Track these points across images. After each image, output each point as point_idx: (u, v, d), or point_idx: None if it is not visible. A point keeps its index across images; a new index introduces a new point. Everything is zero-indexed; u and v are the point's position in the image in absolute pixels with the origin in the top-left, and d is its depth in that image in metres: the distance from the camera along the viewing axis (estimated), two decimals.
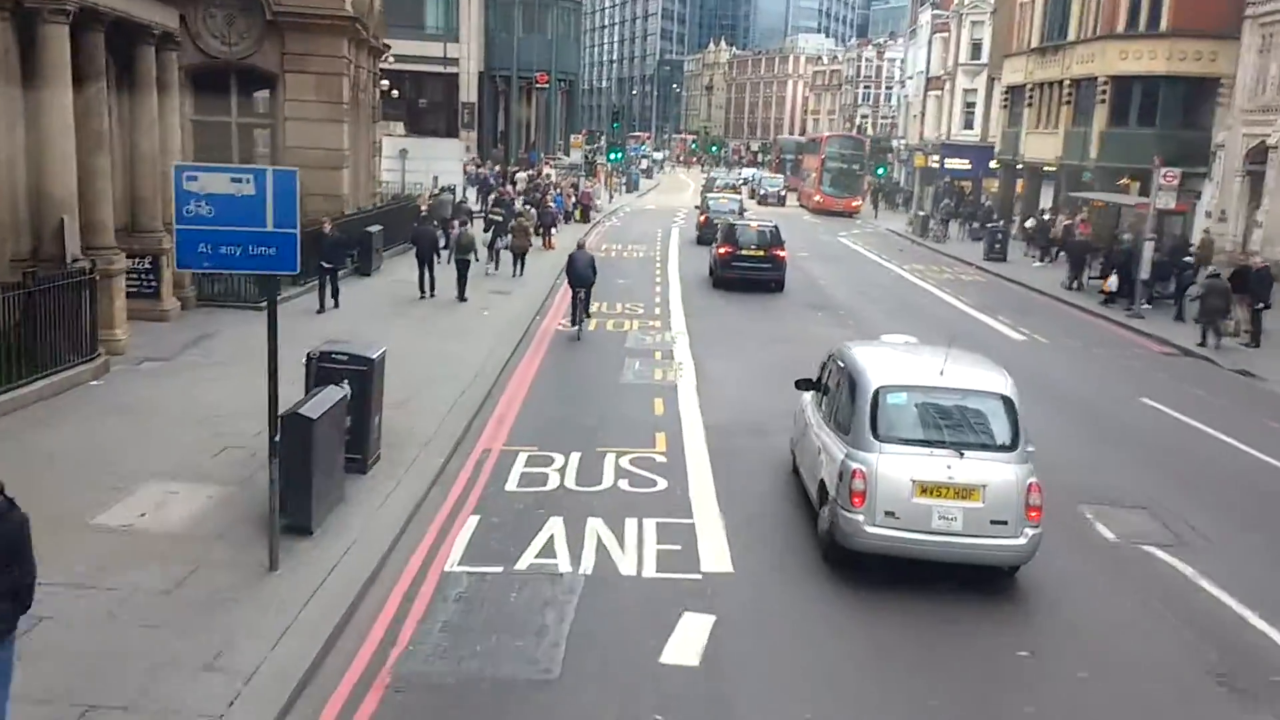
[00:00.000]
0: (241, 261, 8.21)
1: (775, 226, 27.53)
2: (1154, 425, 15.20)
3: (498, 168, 46.75)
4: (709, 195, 42.25)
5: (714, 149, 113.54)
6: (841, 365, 10.13)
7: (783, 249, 26.16)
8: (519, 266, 26.15)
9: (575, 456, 11.89)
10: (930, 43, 57.32)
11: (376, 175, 32.26)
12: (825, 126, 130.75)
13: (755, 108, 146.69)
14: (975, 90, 51.51)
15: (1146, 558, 10.03)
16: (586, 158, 53.80)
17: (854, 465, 8.87)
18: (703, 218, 36.63)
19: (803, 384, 11.36)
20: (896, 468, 8.77)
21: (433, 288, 22.14)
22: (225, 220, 8.01)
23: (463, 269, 22.18)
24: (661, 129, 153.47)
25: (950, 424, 9.09)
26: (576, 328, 19.27)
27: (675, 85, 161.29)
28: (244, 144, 24.92)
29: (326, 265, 19.26)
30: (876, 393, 9.12)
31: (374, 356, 10.99)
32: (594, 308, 21.45)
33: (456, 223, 24.83)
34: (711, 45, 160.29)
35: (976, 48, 51.37)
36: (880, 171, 64.80)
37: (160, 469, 10.47)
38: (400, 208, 29.76)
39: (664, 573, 9.02)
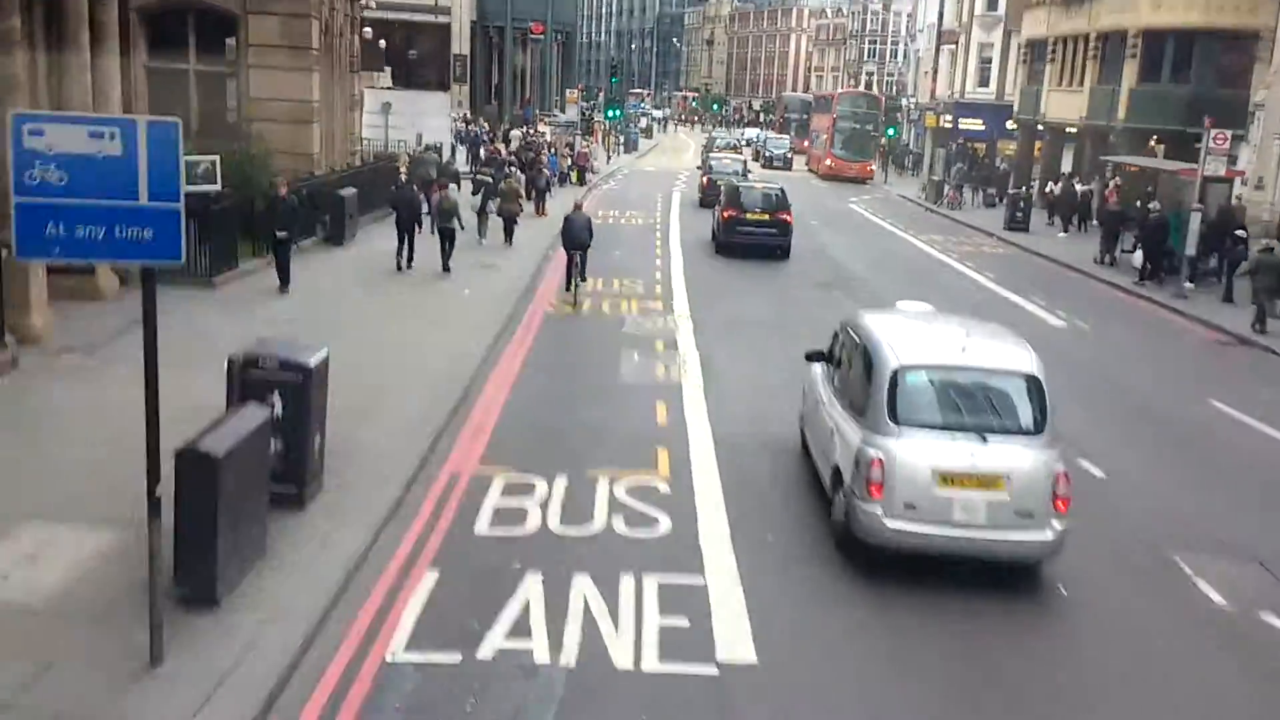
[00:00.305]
0: (105, 248, 6.13)
1: (781, 189, 25.90)
2: (1231, 438, 13.19)
3: (488, 125, 44.29)
4: (711, 155, 40.55)
5: (716, 107, 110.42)
6: (855, 338, 9.42)
7: (789, 213, 24.63)
8: (508, 235, 24.01)
9: (561, 483, 9.87)
10: None
11: (356, 132, 29.98)
12: (830, 84, 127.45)
13: (757, 64, 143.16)
14: (991, 45, 48.95)
15: (1271, 633, 8.06)
16: (584, 114, 51.25)
17: (872, 452, 8.19)
18: (705, 179, 35.22)
19: (813, 356, 10.73)
20: (916, 455, 8.12)
21: (411, 259, 20.02)
22: (82, 191, 5.93)
23: (446, 238, 20.04)
24: (661, 86, 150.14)
25: (973, 406, 8.46)
26: (570, 291, 18.38)
27: (675, 39, 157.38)
28: (204, 95, 22.63)
29: (280, 234, 17.02)
30: (896, 373, 8.41)
31: (312, 363, 8.89)
32: (590, 285, 19.40)
33: (439, 186, 22.62)
34: None
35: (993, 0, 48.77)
36: (891, 133, 62.31)
37: (44, 505, 8.41)
38: (380, 168, 27.49)
39: (669, 662, 7.00)
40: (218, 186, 15.88)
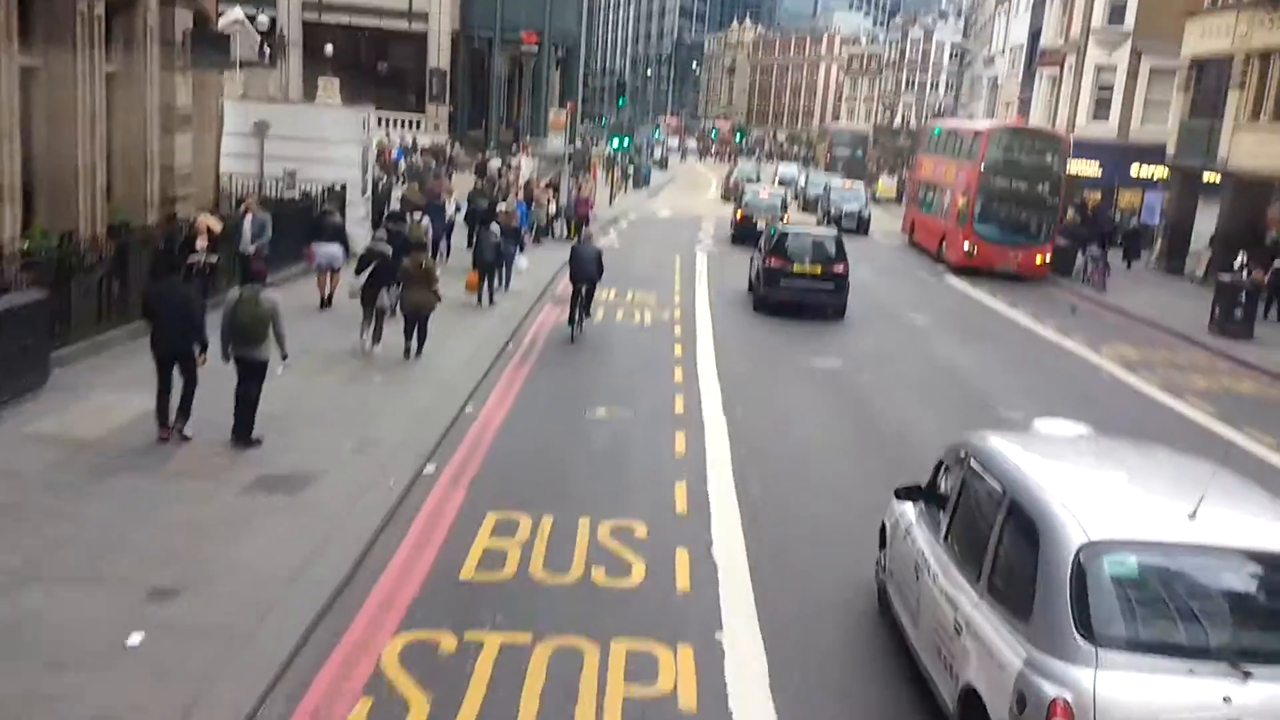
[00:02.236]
0: None
1: (837, 235, 21.60)
2: None
3: (455, 153, 33.10)
4: (745, 191, 35.81)
5: (740, 137, 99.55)
6: (990, 479, 6.14)
7: (845, 263, 20.61)
8: (413, 342, 13.40)
9: None
10: (1042, 2, 43.42)
11: (211, 163, 18.81)
12: (861, 115, 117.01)
13: (782, 93, 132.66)
14: (1113, 68, 37.64)
15: None
16: (581, 142, 39.91)
17: (1052, 690, 4.93)
18: (739, 214, 32.59)
19: (908, 493, 7.20)
20: (1130, 698, 4.86)
21: (170, 420, 8.85)
22: None
23: (246, 378, 9.48)
24: (678, 115, 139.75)
25: (1220, 615, 5.17)
26: (572, 328, 16.60)
27: (695, 64, 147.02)
28: None
29: None
30: (1082, 556, 5.17)
31: None
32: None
33: (251, 260, 11.24)
34: (735, 23, 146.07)
35: (1118, 10, 37.45)
36: None
37: None
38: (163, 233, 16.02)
39: None
40: None
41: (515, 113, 54.10)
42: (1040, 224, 28.87)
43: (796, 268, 20.06)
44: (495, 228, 18.83)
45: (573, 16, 51.30)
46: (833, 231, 22.80)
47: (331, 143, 21.16)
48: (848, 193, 41.05)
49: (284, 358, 10.10)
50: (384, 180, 25.22)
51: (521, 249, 21.01)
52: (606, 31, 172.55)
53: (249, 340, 9.76)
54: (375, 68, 54.49)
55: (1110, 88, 37.89)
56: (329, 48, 43.18)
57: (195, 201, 17.53)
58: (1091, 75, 38.38)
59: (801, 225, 25.98)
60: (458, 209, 23.30)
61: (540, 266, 22.11)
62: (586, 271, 16.70)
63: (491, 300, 18.28)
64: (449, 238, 22.41)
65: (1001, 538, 5.81)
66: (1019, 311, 23.57)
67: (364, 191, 22.23)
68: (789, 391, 14.62)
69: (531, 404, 12.82)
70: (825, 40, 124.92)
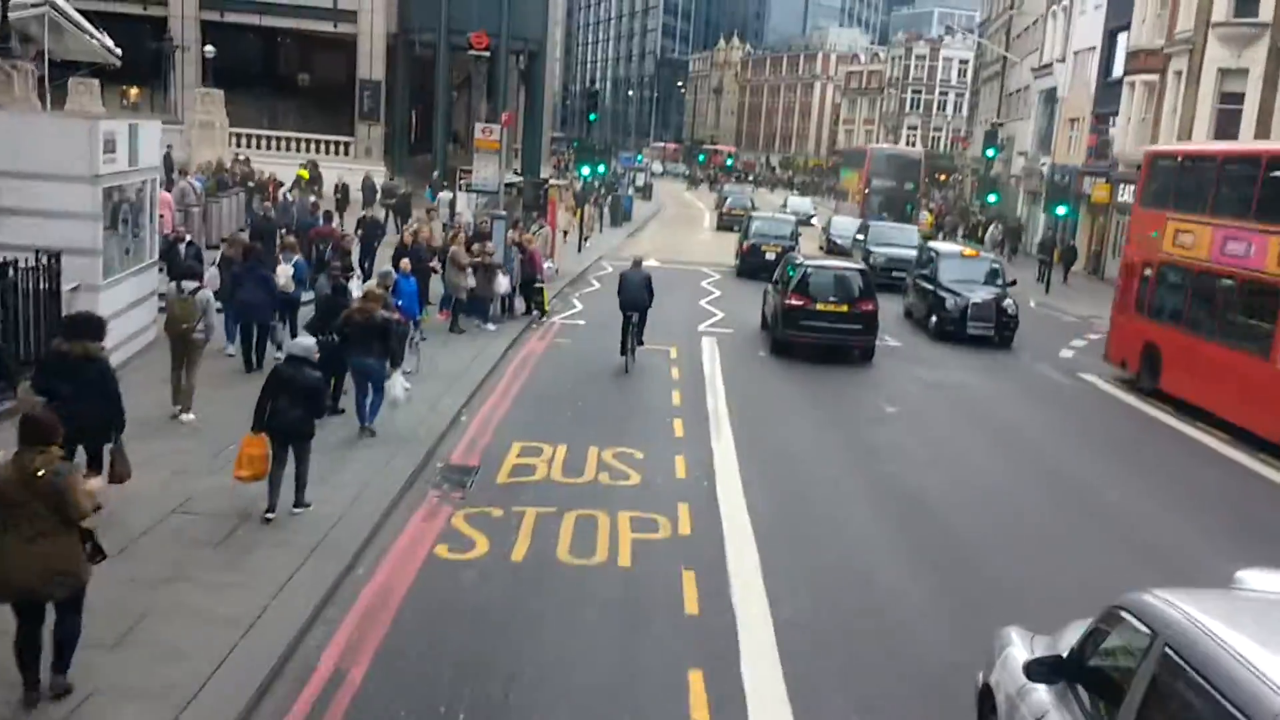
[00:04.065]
0: None
1: (862, 270, 19.49)
2: None
3: (311, 197, 23.24)
4: (752, 219, 33.57)
5: (730, 163, 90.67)
6: (1208, 683, 4.01)
7: (873, 302, 18.23)
8: None
9: None
10: None
11: None
12: (861, 137, 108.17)
13: (774, 115, 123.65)
14: (1243, 71, 28.52)
15: None
16: (556, 171, 30.18)
17: None
18: (744, 245, 30.64)
19: (1046, 671, 5.08)
20: None
21: None
22: None
23: None
24: (661, 138, 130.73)
25: None
26: (625, 358, 16.04)
27: (680, 85, 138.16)
28: None
29: None
30: None
31: None
32: None
33: None
34: (722, 42, 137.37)
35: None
36: (993, 199, 41.81)
37: None
38: None
39: None
40: None
41: (470, 133, 44.53)
42: None
43: (820, 306, 18.24)
44: (311, 343, 9.24)
45: (536, 16, 41.84)
46: (857, 266, 20.63)
47: (41, 179, 11.43)
48: (967, 262, 22.97)
49: None
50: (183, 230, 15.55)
51: (395, 363, 11.45)
52: (585, 52, 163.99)
53: None
54: (296, 80, 45.04)
55: (1240, 96, 28.68)
56: (209, 49, 33.63)
57: None
58: (1213, 81, 29.18)
59: (822, 258, 23.66)
60: (299, 279, 13.81)
61: (442, 388, 12.57)
62: (637, 299, 16.30)
63: (279, 507, 8.70)
64: (271, 333, 12.96)
65: None
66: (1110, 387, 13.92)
67: (122, 264, 12.52)
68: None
69: None
70: (820, 58, 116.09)
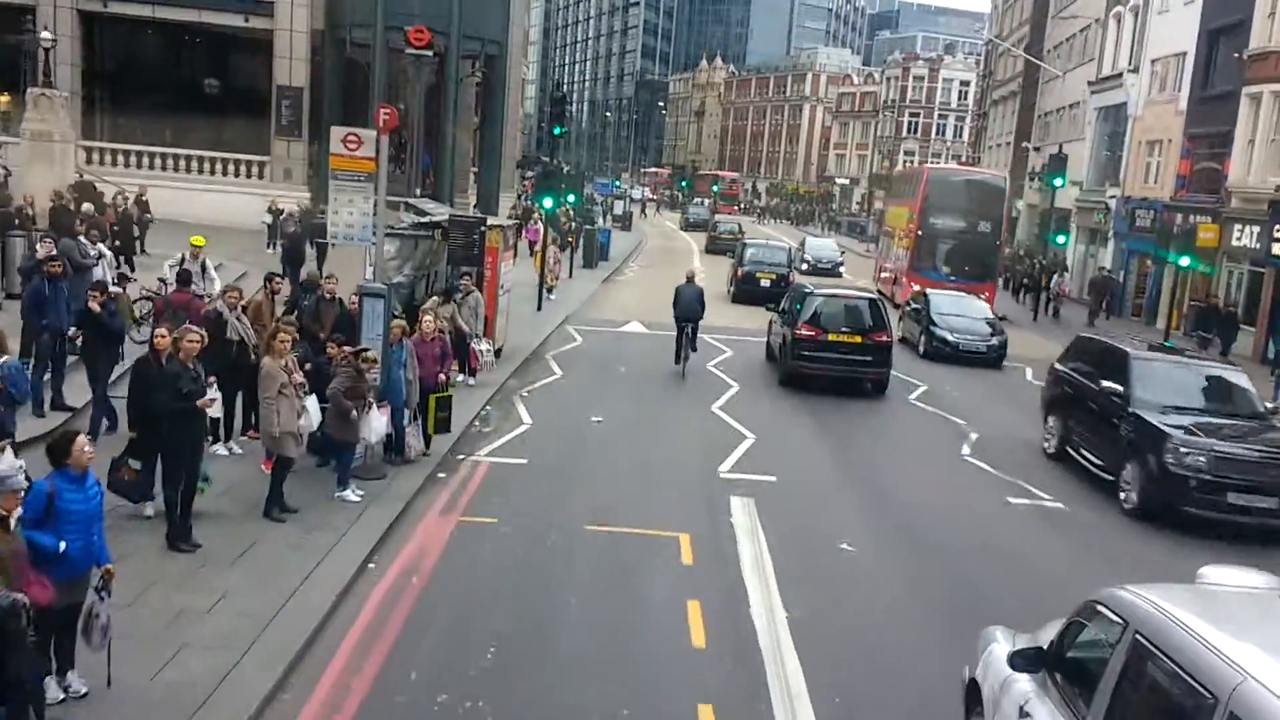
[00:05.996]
0: None
1: (876, 299, 19.01)
2: None
3: (99, 244, 15.04)
4: (746, 245, 31.20)
5: (716, 189, 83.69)
6: (1172, 661, 4.53)
7: (887, 333, 18.03)
8: None
9: None
10: None
11: None
12: (853, 162, 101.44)
13: (759, 138, 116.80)
14: None
15: None
16: (520, 202, 22.41)
17: None
18: (738, 271, 29.16)
19: (1029, 662, 5.57)
20: None
21: None
22: None
23: None
24: (640, 163, 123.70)
25: None
26: (680, 365, 17.74)
27: (662, 106, 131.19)
28: None
29: None
30: None
31: None
32: None
33: None
34: (704, 63, 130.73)
35: None
36: (1063, 240, 34.49)
37: None
38: None
39: None
40: None
41: (411, 153, 36.72)
42: None
43: (832, 336, 17.85)
44: None
45: (495, 9, 34.24)
46: (871, 294, 20.08)
47: None
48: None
49: None
50: None
51: None
52: (561, 73, 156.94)
53: None
54: (204, 86, 37.21)
55: None
56: (46, 35, 25.62)
57: None
58: None
59: (832, 285, 22.16)
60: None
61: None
62: (691, 311, 17.85)
63: None
64: None
65: None
66: None
67: None
68: None
69: None
70: (810, 78, 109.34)
